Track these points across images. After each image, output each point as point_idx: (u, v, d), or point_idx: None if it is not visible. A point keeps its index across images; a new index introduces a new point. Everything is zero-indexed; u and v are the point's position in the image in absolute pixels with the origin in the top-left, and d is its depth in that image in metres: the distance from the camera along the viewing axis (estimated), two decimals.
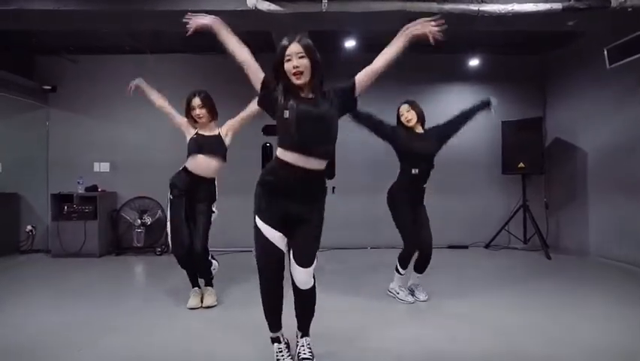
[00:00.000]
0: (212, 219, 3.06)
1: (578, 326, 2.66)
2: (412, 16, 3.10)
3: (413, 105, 3.10)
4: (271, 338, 2.08)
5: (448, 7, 3.04)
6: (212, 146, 2.99)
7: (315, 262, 1.98)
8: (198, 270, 3.10)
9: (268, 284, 1.95)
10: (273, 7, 2.97)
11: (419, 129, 3.13)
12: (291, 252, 1.95)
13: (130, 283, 4.26)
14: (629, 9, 2.96)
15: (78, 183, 5.42)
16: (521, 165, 5.37)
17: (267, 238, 1.89)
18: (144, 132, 5.75)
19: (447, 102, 5.87)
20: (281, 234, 1.90)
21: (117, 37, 5.10)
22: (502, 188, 5.85)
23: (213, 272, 3.15)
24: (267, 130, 5.67)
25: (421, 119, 3.12)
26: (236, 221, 4.65)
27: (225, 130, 3.11)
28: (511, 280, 3.94)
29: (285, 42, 1.88)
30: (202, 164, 2.98)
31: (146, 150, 5.75)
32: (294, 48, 1.86)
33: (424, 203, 3.16)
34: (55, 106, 5.79)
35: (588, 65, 5.04)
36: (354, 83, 1.97)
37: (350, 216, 5.69)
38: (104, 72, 5.80)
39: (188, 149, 3.02)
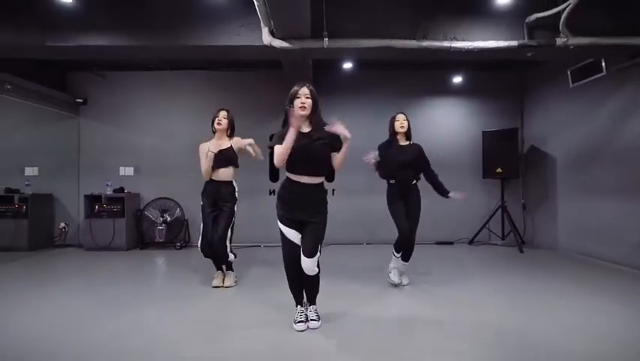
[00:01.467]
0: (233, 218, 3.75)
1: (532, 300, 3.37)
2: (397, 51, 3.85)
3: (407, 117, 3.74)
4: (295, 303, 2.82)
5: (425, 43, 3.74)
6: (225, 158, 3.71)
7: (318, 254, 2.67)
8: (217, 259, 3.81)
9: (292, 270, 2.69)
10: (284, 44, 3.68)
11: (404, 141, 3.75)
12: (301, 248, 2.67)
13: (157, 271, 4.96)
14: (571, 47, 3.67)
15: (107, 185, 6.13)
16: (499, 170, 6.06)
17: (286, 237, 2.64)
18: (164, 140, 6.46)
19: (433, 114, 6.63)
20: (296, 231, 2.63)
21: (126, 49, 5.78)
22: (484, 190, 6.55)
23: (232, 259, 3.83)
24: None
25: (409, 132, 3.74)
26: (248, 220, 5.37)
27: (234, 143, 3.78)
28: (488, 270, 4.65)
29: (297, 87, 2.63)
30: (221, 174, 3.71)
31: (166, 156, 6.45)
32: (304, 91, 2.61)
33: (420, 196, 3.73)
34: (85, 116, 6.50)
35: (558, 82, 5.72)
36: (338, 147, 2.61)
37: (348, 215, 6.36)
38: (130, 86, 6.52)
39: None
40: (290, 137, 2.46)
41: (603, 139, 5.02)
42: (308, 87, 2.61)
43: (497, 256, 5.55)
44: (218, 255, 3.76)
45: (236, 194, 3.81)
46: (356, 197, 6.46)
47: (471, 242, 6.38)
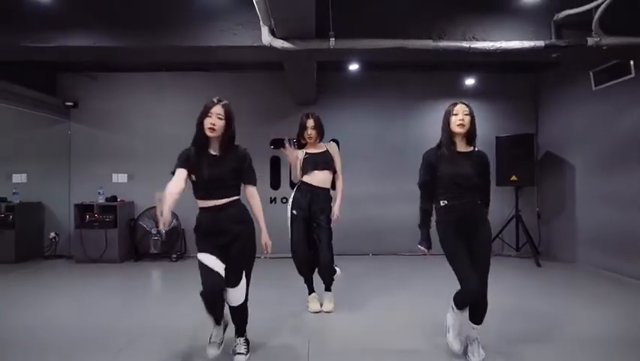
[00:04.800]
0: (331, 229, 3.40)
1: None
2: (410, 52, 3.51)
3: (471, 110, 2.49)
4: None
5: (442, 44, 3.39)
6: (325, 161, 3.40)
7: (242, 282, 2.39)
8: (324, 274, 3.43)
9: (209, 299, 2.35)
10: (286, 44, 3.34)
11: (464, 146, 2.51)
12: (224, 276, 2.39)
13: (153, 287, 4.64)
14: (604, 47, 3.32)
15: (99, 193, 5.80)
16: (514, 177, 5.70)
17: (205, 265, 2.33)
18: (159, 144, 6.11)
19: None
20: (215, 257, 2.34)
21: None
22: (497, 199, 6.07)
23: (335, 278, 3.48)
24: (275, 143, 6.05)
25: (472, 132, 2.51)
26: None
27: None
28: (502, 286, 4.31)
29: (210, 102, 2.33)
30: (319, 176, 3.36)
31: (161, 162, 6.06)
32: (217, 109, 2.30)
33: (490, 229, 2.57)
34: (76, 120, 6.17)
35: (577, 84, 5.37)
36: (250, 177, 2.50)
37: (352, 224, 6.01)
38: (123, 88, 6.20)
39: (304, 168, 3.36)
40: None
41: (628, 146, 4.65)
42: (223, 105, 2.35)
43: (513, 269, 5.21)
44: (325, 273, 3.42)
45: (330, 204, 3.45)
46: (361, 204, 6.12)
47: None
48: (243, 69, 5.99)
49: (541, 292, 4.10)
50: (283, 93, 5.89)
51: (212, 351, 2.43)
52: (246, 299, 2.47)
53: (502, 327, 3.03)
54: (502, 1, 3.47)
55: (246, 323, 2.57)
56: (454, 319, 2.53)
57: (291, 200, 3.44)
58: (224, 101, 2.36)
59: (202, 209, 2.39)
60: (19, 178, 6.09)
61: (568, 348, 2.71)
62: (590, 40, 3.31)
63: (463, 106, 2.47)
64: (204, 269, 2.34)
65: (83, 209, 5.70)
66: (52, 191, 6.14)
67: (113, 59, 4.56)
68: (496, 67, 5.95)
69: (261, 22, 3.29)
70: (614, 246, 4.83)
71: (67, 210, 6.09)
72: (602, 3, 3.00)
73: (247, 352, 2.53)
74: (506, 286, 4.34)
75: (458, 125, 2.43)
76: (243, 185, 2.49)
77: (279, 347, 2.75)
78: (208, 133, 2.29)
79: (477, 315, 2.48)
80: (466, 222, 2.44)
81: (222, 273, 2.34)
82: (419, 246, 2.60)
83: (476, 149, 2.55)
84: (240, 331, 2.57)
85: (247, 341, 2.58)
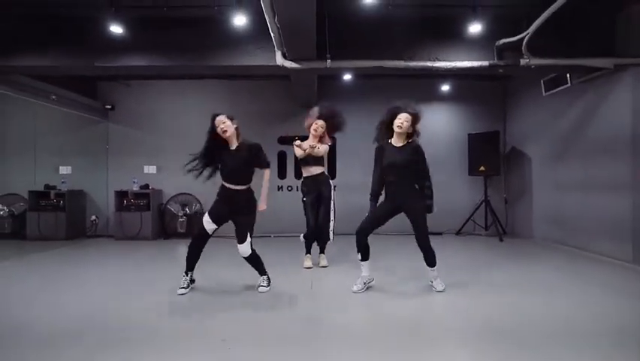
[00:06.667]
0: (332, 204, 4.45)
1: (504, 276, 4.13)
2: (387, 69, 4.60)
3: (414, 116, 3.35)
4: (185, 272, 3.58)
5: (412, 64, 4.48)
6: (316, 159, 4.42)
7: (247, 239, 3.42)
8: (320, 239, 4.50)
9: (196, 248, 3.48)
10: (294, 65, 4.43)
11: (399, 142, 3.37)
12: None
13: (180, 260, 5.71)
14: (532, 66, 4.42)
15: (133, 182, 6.89)
16: (482, 168, 6.81)
17: (204, 225, 3.41)
18: (183, 141, 7.12)
19: (423, 119, 7.29)
20: (215, 226, 3.41)
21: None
22: (469, 186, 7.29)
23: (329, 240, 4.54)
24: (282, 140, 7.14)
25: (410, 134, 3.39)
26: (259, 213, 6.08)
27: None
28: (470, 256, 5.41)
29: (215, 117, 3.40)
30: (313, 169, 4.43)
31: (185, 156, 7.09)
32: (220, 119, 3.37)
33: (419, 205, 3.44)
34: (113, 121, 7.28)
35: (533, 90, 6.44)
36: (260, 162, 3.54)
37: (349, 209, 7.08)
38: (152, 93, 7.29)
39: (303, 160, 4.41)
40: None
41: (568, 141, 5.75)
42: (220, 115, 3.38)
43: (481, 245, 6.27)
44: (321, 236, 4.47)
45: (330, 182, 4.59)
46: (356, 192, 7.13)
47: (458, 233, 7.12)
48: (255, 78, 7.06)
49: (495, 259, 5.16)
50: (288, 98, 6.98)
51: (182, 291, 3.44)
52: (253, 250, 3.50)
53: (460, 278, 4.14)
54: (457, 31, 4.55)
55: (261, 264, 3.60)
56: (365, 269, 3.54)
57: (301, 190, 4.53)
58: (220, 114, 3.40)
59: (224, 187, 3.42)
60: (65, 170, 7.19)
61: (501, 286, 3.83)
62: (522, 61, 4.41)
63: (407, 115, 3.36)
64: (202, 228, 3.41)
65: (121, 195, 6.80)
66: (93, 181, 7.22)
67: (161, 74, 5.65)
68: (469, 75, 7.01)
69: (276, 48, 4.39)
70: (557, 223, 5.94)
71: (105, 198, 7.19)
72: (526, 36, 4.10)
73: (268, 284, 3.58)
74: (471, 255, 5.45)
75: (397, 126, 3.35)
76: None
77: (290, 285, 3.81)
78: (223, 135, 3.31)
79: (429, 260, 3.51)
80: (395, 197, 3.46)
81: (211, 233, 3.42)
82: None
83: (408, 142, 3.45)
84: (260, 271, 3.61)
85: (268, 279, 3.62)
